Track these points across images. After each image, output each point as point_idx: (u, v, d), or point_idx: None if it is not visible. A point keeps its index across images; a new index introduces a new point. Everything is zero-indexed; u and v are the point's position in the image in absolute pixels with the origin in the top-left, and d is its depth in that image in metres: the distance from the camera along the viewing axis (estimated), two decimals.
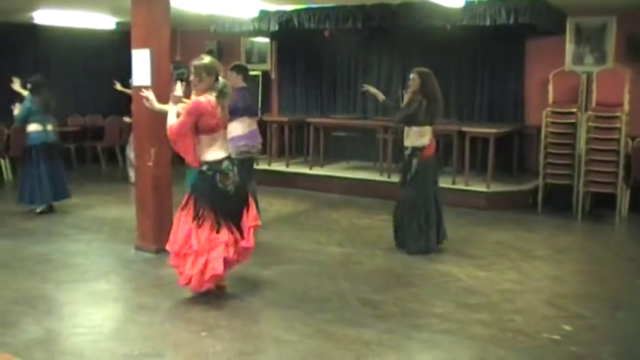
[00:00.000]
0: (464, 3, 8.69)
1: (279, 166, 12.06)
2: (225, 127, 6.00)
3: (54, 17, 11.33)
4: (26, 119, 9.29)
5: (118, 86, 12.11)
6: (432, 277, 6.79)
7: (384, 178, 10.83)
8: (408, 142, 7.57)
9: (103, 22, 12.11)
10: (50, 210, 9.53)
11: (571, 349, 5.02)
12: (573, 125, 9.69)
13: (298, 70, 13.63)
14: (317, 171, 11.69)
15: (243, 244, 5.91)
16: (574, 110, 9.77)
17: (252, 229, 6.06)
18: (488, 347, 5.05)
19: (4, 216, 9.32)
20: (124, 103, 11.72)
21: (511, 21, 8.89)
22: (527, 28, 9.54)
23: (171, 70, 7.66)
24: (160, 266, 6.80)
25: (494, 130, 10.08)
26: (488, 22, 9.06)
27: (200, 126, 5.67)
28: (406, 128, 7.60)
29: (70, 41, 13.56)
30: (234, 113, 7.19)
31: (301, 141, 12.59)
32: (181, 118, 5.69)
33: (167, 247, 5.97)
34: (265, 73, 13.89)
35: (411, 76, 7.58)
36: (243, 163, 7.51)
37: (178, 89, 6.06)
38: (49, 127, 9.49)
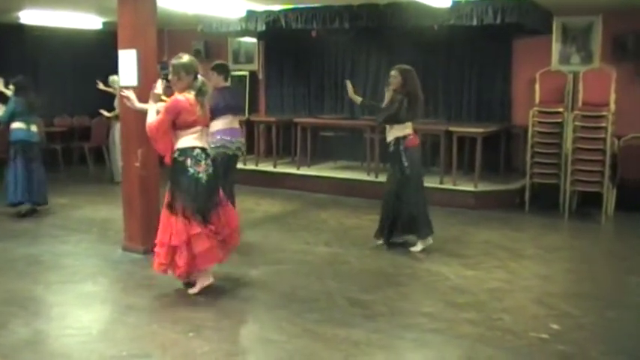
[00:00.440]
0: (451, 3, 8.70)
1: (266, 167, 12.05)
2: (206, 125, 6.08)
3: (40, 17, 11.28)
4: (10, 120, 9.24)
5: (101, 85, 12.11)
6: (421, 276, 6.80)
7: (372, 178, 10.84)
8: (391, 136, 7.61)
9: (90, 22, 12.06)
10: (34, 211, 9.47)
11: (559, 348, 5.04)
12: (560, 125, 9.74)
13: (286, 70, 13.62)
14: (305, 171, 11.69)
15: (218, 238, 6.01)
16: (560, 110, 9.81)
17: (235, 228, 6.21)
18: (477, 346, 5.06)
19: None
20: (110, 103, 11.77)
21: (498, 21, 8.90)
22: (514, 28, 9.55)
23: (158, 70, 7.64)
24: (147, 267, 6.76)
25: (481, 130, 10.11)
26: (475, 22, 9.07)
27: (178, 123, 5.78)
28: (387, 126, 7.64)
29: (56, 41, 13.50)
30: (216, 113, 7.19)
31: (289, 141, 12.59)
32: (160, 116, 5.79)
33: (155, 249, 6.06)
34: (253, 74, 13.87)
35: (392, 73, 7.57)
36: (218, 158, 7.49)
37: (158, 87, 6.12)
38: (33, 128, 9.44)
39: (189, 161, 5.82)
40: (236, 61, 14.09)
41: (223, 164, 7.68)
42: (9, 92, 9.47)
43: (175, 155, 5.86)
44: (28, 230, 8.60)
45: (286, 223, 9.20)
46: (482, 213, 9.68)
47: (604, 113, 9.31)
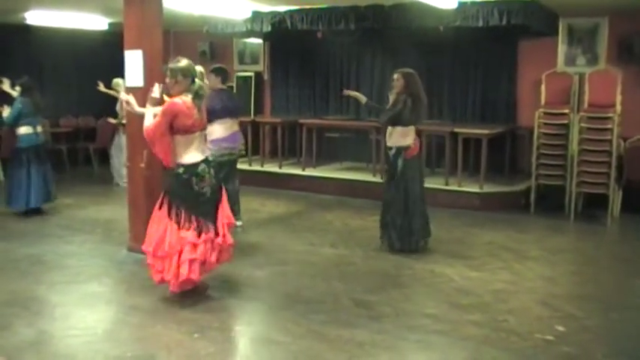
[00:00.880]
0: (457, 4, 8.69)
1: (271, 167, 12.05)
2: (204, 129, 6.07)
3: (46, 18, 11.29)
4: (17, 121, 9.26)
5: (101, 87, 12.11)
6: (425, 277, 6.79)
7: (377, 179, 10.82)
8: (392, 142, 7.61)
9: (96, 22, 12.08)
10: (38, 210, 9.51)
11: (564, 350, 5.03)
12: (565, 126, 9.71)
13: (291, 71, 13.62)
14: (310, 172, 11.69)
15: (218, 240, 5.94)
16: (566, 111, 9.78)
17: (227, 226, 6.10)
18: (482, 348, 5.05)
19: None
20: (113, 105, 11.81)
21: (504, 22, 8.89)
22: (519, 29, 9.55)
23: (164, 71, 7.66)
24: None
25: (486, 131, 10.09)
26: (481, 23, 9.06)
27: (176, 126, 5.74)
28: (389, 128, 7.62)
29: (62, 42, 13.53)
30: (213, 115, 7.23)
31: (294, 142, 12.59)
32: (157, 119, 5.78)
33: (143, 247, 6.03)
34: (258, 74, 13.87)
35: (395, 76, 7.58)
36: (223, 165, 7.59)
37: (156, 91, 6.14)
38: (39, 129, 9.49)
39: (194, 179, 5.80)
40: (241, 62, 14.11)
41: (227, 169, 7.77)
42: (15, 93, 9.50)
43: (179, 171, 5.82)
44: (32, 230, 8.61)
45: (291, 224, 9.19)
46: (487, 214, 9.66)
47: (610, 115, 9.29)
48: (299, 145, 12.33)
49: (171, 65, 5.86)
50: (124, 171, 11.27)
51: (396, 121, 7.49)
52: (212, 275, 6.59)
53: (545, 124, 9.79)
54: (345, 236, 8.45)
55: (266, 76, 13.96)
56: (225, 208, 6.11)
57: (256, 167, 12.09)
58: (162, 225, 5.85)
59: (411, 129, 7.55)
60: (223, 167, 7.59)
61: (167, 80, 5.88)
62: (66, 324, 5.50)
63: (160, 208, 5.92)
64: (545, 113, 9.85)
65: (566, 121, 9.71)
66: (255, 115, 13.26)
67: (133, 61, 7.29)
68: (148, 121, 5.87)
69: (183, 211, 5.79)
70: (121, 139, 11.64)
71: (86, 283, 6.52)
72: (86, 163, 13.85)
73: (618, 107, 9.45)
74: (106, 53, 12.59)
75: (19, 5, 10.18)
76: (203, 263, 5.91)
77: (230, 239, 6.08)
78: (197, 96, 5.83)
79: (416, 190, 7.62)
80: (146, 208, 7.35)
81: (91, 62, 13.70)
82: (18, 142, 9.39)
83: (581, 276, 7.09)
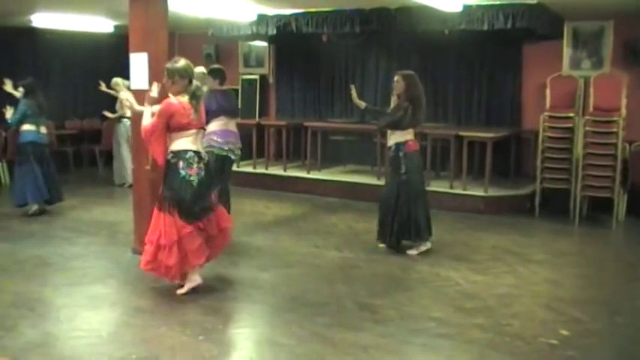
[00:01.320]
0: (462, 7, 8.71)
1: (276, 170, 12.05)
2: (202, 128, 6.16)
3: (52, 20, 11.32)
4: (21, 123, 9.30)
5: (103, 87, 12.15)
6: (430, 281, 6.79)
7: (382, 182, 10.79)
8: (392, 141, 7.66)
9: (101, 25, 12.10)
10: (43, 212, 9.54)
11: (569, 354, 5.02)
12: (570, 130, 9.70)
13: (296, 74, 13.63)
14: (314, 175, 11.69)
15: (212, 233, 6.14)
16: (571, 115, 9.77)
17: (227, 230, 6.32)
18: (486, 352, 5.05)
19: (1, 219, 9.31)
20: (113, 104, 11.89)
21: (509, 25, 8.90)
22: (524, 33, 9.55)
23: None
24: None
25: (491, 135, 10.08)
26: (486, 27, 9.08)
27: (172, 125, 5.89)
28: (389, 131, 7.69)
29: (68, 45, 13.58)
30: (209, 114, 7.24)
31: (299, 145, 12.59)
32: (154, 119, 5.90)
33: (145, 247, 6.17)
34: (263, 77, 13.89)
35: (395, 78, 7.62)
36: (216, 159, 7.60)
37: (154, 91, 6.22)
38: (43, 130, 9.52)
39: (181, 164, 5.92)
40: (247, 64, 14.13)
41: (214, 165, 7.76)
42: (18, 94, 9.53)
43: (169, 157, 5.97)
44: (38, 232, 8.63)
45: (296, 226, 9.19)
46: (491, 218, 9.66)
47: (615, 118, 9.27)
48: (304, 147, 12.32)
49: (168, 65, 5.97)
50: (127, 169, 11.36)
51: (395, 127, 7.54)
52: (217, 277, 6.63)
53: (550, 127, 9.78)
54: (349, 239, 8.45)
55: (271, 79, 13.97)
56: (223, 212, 6.31)
57: (261, 170, 12.09)
58: (158, 221, 6.01)
59: (410, 130, 7.60)
60: (216, 162, 7.62)
61: (164, 80, 5.95)
62: (71, 326, 5.51)
63: (157, 200, 6.10)
64: (550, 117, 9.84)
65: (571, 125, 9.70)
66: (260, 117, 13.29)
67: (139, 63, 7.31)
68: (146, 121, 6.01)
69: (173, 202, 5.91)
70: (118, 136, 11.74)
71: (91, 285, 6.53)
72: (91, 164, 13.89)
73: (623, 111, 9.43)
74: (111, 56, 12.67)
75: (25, 8, 10.21)
76: (208, 239, 6.13)
77: (227, 237, 6.32)
78: (194, 97, 5.93)
79: (417, 185, 7.65)
80: (151, 210, 7.37)
81: (96, 65, 13.74)
82: (20, 138, 9.43)
83: (586, 280, 7.07)
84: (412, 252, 7.71)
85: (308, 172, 11.76)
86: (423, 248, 7.76)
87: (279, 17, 10.43)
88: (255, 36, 11.56)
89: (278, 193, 11.42)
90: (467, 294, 6.38)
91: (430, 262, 7.40)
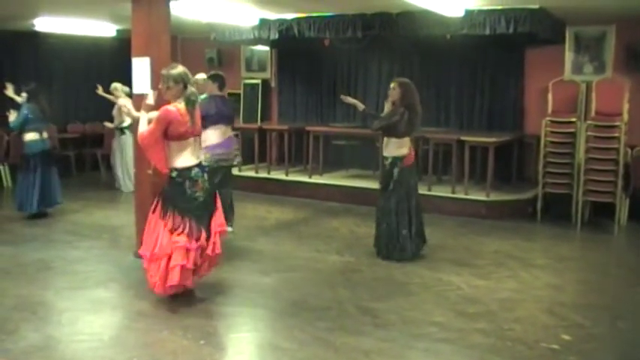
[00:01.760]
0: (464, 12, 8.71)
1: (278, 174, 12.06)
2: (198, 135, 6.15)
3: (55, 24, 11.34)
4: (23, 127, 9.31)
5: (100, 91, 12.17)
6: (432, 285, 6.78)
7: None
8: (388, 153, 7.65)
9: (104, 29, 12.12)
10: (43, 214, 9.56)
11: (570, 359, 5.02)
12: (572, 134, 9.70)
13: (298, 78, 13.64)
14: (316, 179, 11.69)
15: (208, 251, 6.03)
16: (573, 119, 9.77)
17: (218, 235, 6.18)
18: (488, 356, 5.05)
19: (4, 222, 9.34)
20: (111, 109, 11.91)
21: (511, 30, 8.90)
22: (526, 37, 9.55)
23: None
24: None
25: (493, 139, 10.08)
26: (487, 32, 9.07)
27: (169, 133, 5.85)
28: (385, 139, 7.69)
29: (70, 48, 13.61)
30: (207, 120, 7.28)
31: (301, 149, 12.58)
32: (151, 125, 5.90)
33: (140, 251, 6.17)
34: (265, 82, 13.89)
35: (391, 85, 7.62)
36: (217, 171, 7.73)
37: (150, 98, 6.29)
38: (45, 135, 9.54)
39: (187, 183, 5.90)
40: (249, 69, 14.14)
41: (222, 175, 7.85)
42: (20, 99, 9.55)
43: (173, 175, 5.94)
44: (40, 235, 8.64)
45: (298, 231, 9.20)
46: (493, 222, 9.65)
47: (617, 123, 9.28)
48: (306, 152, 12.33)
49: (164, 71, 5.99)
50: (125, 175, 11.40)
51: (391, 132, 7.52)
52: (219, 281, 6.63)
53: (552, 132, 9.78)
54: (351, 243, 8.45)
55: (273, 84, 13.97)
56: (218, 216, 6.22)
57: (263, 174, 12.10)
58: (156, 228, 5.96)
59: (407, 140, 7.59)
60: (218, 172, 7.72)
61: (160, 86, 5.99)
62: (73, 329, 5.52)
63: (154, 211, 6.04)
64: (552, 121, 9.84)
65: (573, 130, 9.69)
66: (262, 122, 13.29)
67: (141, 68, 7.32)
68: (142, 127, 6.02)
69: (175, 215, 5.87)
70: (119, 144, 11.76)
71: (93, 289, 6.54)
72: (93, 168, 13.89)
73: (625, 115, 9.44)
74: (113, 60, 12.68)
75: (27, 12, 10.23)
76: (195, 270, 6.03)
77: (218, 249, 6.15)
78: (189, 102, 5.91)
79: (412, 198, 7.65)
80: None
81: (98, 69, 13.79)
82: (25, 148, 9.45)
83: (588, 284, 7.07)
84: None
85: (310, 177, 11.76)
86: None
87: (281, 22, 10.44)
88: (258, 40, 11.57)
89: (280, 198, 11.43)
90: (469, 298, 6.37)
91: (432, 267, 7.40)
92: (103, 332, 5.47)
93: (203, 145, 7.28)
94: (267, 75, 13.97)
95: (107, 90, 12.09)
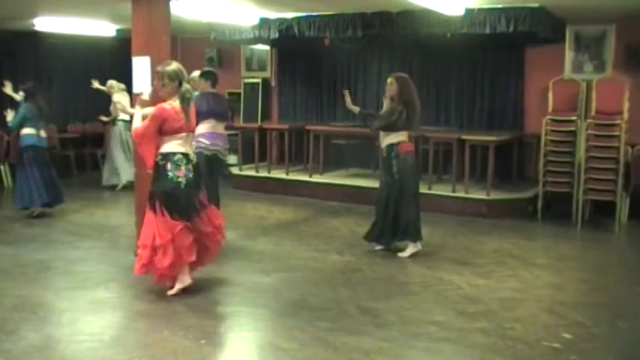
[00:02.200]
0: (464, 11, 8.71)
1: (278, 174, 12.05)
2: (192, 131, 6.27)
3: (54, 24, 11.34)
4: (21, 126, 9.32)
5: (95, 84, 12.16)
6: (432, 284, 6.78)
7: None
8: (384, 143, 7.69)
9: (104, 29, 12.12)
10: (43, 215, 9.55)
11: (571, 358, 5.01)
12: (573, 133, 9.69)
13: (298, 77, 13.63)
14: (317, 178, 11.68)
15: (207, 241, 6.26)
16: (574, 118, 9.77)
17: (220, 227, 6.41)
18: (488, 356, 5.04)
19: (4, 222, 9.34)
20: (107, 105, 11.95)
21: (511, 29, 8.90)
22: (526, 36, 9.55)
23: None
24: None
25: (493, 138, 10.08)
26: (488, 30, 9.07)
27: (164, 130, 5.96)
28: (382, 133, 7.71)
29: (70, 48, 13.60)
30: (198, 116, 7.27)
31: (301, 148, 12.57)
32: (146, 122, 5.98)
33: (139, 242, 6.25)
34: (265, 81, 13.89)
35: (389, 80, 7.62)
36: (204, 162, 7.66)
37: (145, 94, 6.37)
38: (42, 134, 9.54)
39: (169, 165, 5.98)
40: (249, 68, 14.13)
41: (203, 166, 7.80)
42: (18, 97, 9.56)
43: (157, 159, 6.04)
44: (40, 235, 8.63)
45: (298, 230, 9.19)
46: (494, 221, 9.65)
47: (617, 122, 9.27)
48: (306, 151, 12.32)
49: (159, 68, 6.05)
50: (119, 172, 11.41)
51: (388, 129, 7.53)
52: (219, 281, 6.63)
53: (553, 131, 9.78)
54: (351, 243, 8.44)
55: (273, 83, 13.97)
56: (214, 209, 6.39)
57: (263, 174, 12.10)
58: (151, 220, 6.06)
59: (403, 132, 7.59)
60: (205, 163, 7.69)
61: (154, 82, 6.02)
62: (73, 329, 5.51)
63: (148, 203, 6.15)
64: (552, 120, 9.84)
65: (573, 128, 9.68)
66: (262, 121, 13.30)
67: (141, 67, 7.32)
68: (137, 123, 6.09)
69: (163, 203, 5.97)
70: (111, 136, 11.80)
71: (93, 289, 6.53)
72: (93, 168, 13.89)
73: (625, 114, 9.43)
74: (113, 59, 12.68)
75: (27, 12, 10.23)
76: (205, 240, 6.22)
77: (219, 237, 6.37)
78: (184, 99, 5.99)
79: (409, 187, 7.64)
80: None
81: (98, 68, 13.75)
82: (20, 142, 9.47)
83: (589, 283, 7.06)
84: (403, 254, 7.73)
85: (310, 176, 11.75)
86: (414, 250, 7.75)
87: (281, 21, 10.44)
88: (258, 40, 11.58)
89: (280, 197, 11.43)
90: (469, 298, 6.37)
91: (432, 266, 7.40)
92: (103, 332, 5.46)
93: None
94: (267, 74, 13.97)
95: (103, 84, 12.10)
